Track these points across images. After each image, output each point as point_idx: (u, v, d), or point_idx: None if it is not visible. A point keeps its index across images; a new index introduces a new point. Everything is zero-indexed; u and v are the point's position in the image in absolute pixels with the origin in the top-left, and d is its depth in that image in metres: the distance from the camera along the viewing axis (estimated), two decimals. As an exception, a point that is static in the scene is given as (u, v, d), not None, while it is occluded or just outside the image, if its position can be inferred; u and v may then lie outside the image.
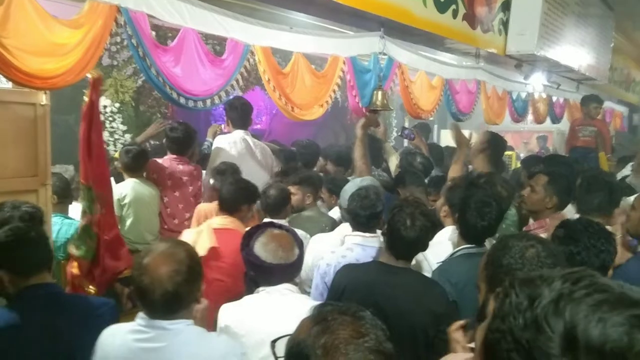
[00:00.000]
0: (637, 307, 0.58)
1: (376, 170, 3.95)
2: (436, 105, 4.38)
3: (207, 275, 2.32)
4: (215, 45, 3.60)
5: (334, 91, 3.38)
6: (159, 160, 3.32)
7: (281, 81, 3.06)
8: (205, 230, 2.49)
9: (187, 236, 2.46)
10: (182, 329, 1.41)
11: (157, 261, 1.39)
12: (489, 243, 2.66)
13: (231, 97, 3.12)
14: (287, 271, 1.81)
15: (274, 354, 1.08)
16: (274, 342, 1.07)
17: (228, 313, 1.84)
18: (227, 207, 2.58)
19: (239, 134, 3.41)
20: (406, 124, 7.70)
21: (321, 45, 3.26)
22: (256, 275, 1.85)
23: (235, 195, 2.60)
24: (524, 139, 10.86)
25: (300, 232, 2.30)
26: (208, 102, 2.77)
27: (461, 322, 1.44)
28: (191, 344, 1.41)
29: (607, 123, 8.02)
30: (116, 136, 3.93)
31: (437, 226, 2.24)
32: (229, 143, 3.39)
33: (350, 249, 2.41)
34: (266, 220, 2.63)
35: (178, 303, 1.40)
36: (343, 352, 0.85)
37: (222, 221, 2.55)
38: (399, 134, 5.15)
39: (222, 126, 4.11)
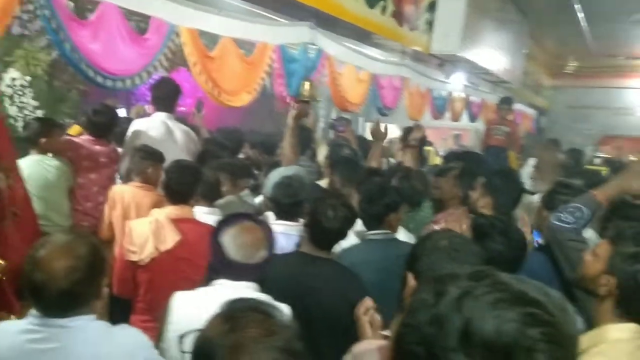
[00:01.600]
0: (531, 305, 0.62)
1: (304, 159, 3.97)
2: (364, 99, 4.47)
3: (176, 268, 2.23)
4: (140, 22, 3.43)
5: (262, 78, 3.35)
6: (76, 139, 3.13)
7: (208, 65, 2.98)
8: (165, 222, 2.37)
9: (140, 228, 2.32)
10: (83, 326, 1.30)
11: (53, 255, 1.26)
12: (404, 234, 2.79)
13: (154, 78, 3.00)
14: (250, 271, 1.74)
15: (181, 349, 1.05)
16: (181, 336, 1.04)
17: (178, 302, 1.78)
18: (182, 196, 2.48)
19: (159, 117, 3.26)
20: (333, 116, 7.80)
21: (250, 31, 3.21)
22: (218, 266, 1.80)
23: (194, 184, 2.51)
24: (442, 136, 11.34)
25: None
26: (128, 82, 2.65)
27: (367, 303, 1.50)
28: (93, 342, 1.30)
29: (518, 124, 8.58)
30: (26, 112, 3.65)
31: (356, 217, 2.31)
32: (147, 126, 3.23)
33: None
34: (197, 208, 2.57)
35: (75, 302, 1.29)
36: (250, 352, 0.83)
37: (178, 211, 2.43)
38: (330, 125, 5.24)
39: (146, 107, 3.94)
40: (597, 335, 1.54)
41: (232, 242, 1.71)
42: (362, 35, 4.13)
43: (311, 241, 2.15)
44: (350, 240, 2.64)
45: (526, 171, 5.17)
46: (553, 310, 0.64)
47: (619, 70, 9.72)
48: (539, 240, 2.48)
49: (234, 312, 0.90)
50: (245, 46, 3.63)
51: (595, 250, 1.63)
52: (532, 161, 5.34)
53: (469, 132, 10.46)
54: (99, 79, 2.49)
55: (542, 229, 2.24)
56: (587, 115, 10.44)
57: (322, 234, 2.08)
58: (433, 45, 4.76)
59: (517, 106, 8.64)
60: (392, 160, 4.64)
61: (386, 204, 2.39)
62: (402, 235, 2.75)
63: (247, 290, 1.67)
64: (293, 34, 3.44)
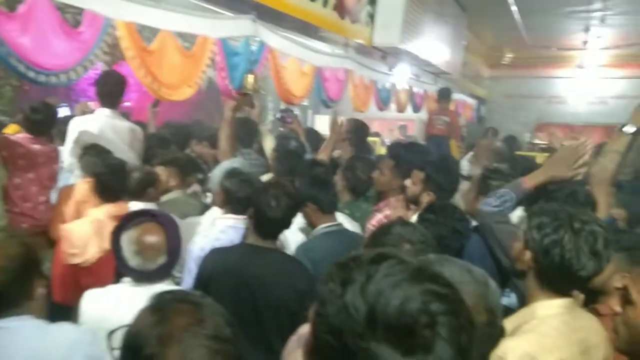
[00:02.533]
0: (431, 282, 0.65)
1: (250, 152, 3.97)
2: (308, 92, 4.50)
3: None
4: (77, 15, 3.30)
5: (204, 72, 3.32)
6: (12, 137, 2.99)
7: (147, 59, 2.92)
8: (107, 221, 2.30)
9: (79, 229, 2.25)
10: (19, 326, 1.29)
11: None
12: (349, 224, 2.86)
13: (92, 71, 2.90)
14: (150, 276, 1.70)
15: (110, 345, 1.04)
16: (111, 333, 1.04)
17: (88, 301, 1.75)
18: (115, 194, 2.43)
19: (102, 112, 3.16)
20: (281, 107, 7.79)
21: (190, 24, 3.16)
22: (120, 268, 1.77)
23: (124, 181, 2.45)
24: (389, 127, 11.56)
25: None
26: (63, 77, 2.55)
27: None
28: (28, 341, 1.28)
29: (459, 114, 8.86)
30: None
31: (300, 205, 2.35)
32: (89, 123, 3.13)
33: (223, 231, 2.41)
34: (132, 204, 2.53)
35: (5, 303, 1.28)
36: (178, 340, 0.84)
37: (117, 209, 2.36)
38: (278, 117, 5.23)
39: (91, 104, 3.81)
40: (528, 312, 1.63)
41: (130, 247, 1.68)
42: (305, 28, 4.14)
43: (256, 232, 2.16)
44: (296, 236, 2.68)
45: (467, 160, 5.37)
46: (451, 283, 0.68)
47: (552, 61, 10.21)
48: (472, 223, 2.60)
49: (161, 304, 0.90)
50: (188, 39, 3.57)
51: (519, 232, 1.73)
52: (471, 153, 5.55)
53: (414, 123, 10.71)
54: (31, 74, 2.38)
55: (471, 212, 2.34)
56: (524, 103, 10.91)
57: (267, 224, 2.10)
58: (375, 38, 4.84)
59: (458, 96, 8.93)
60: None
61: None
62: (348, 225, 2.81)
63: (158, 287, 1.64)
64: (235, 27, 3.42)
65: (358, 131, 4.61)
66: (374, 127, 10.72)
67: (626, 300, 1.18)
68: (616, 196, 2.31)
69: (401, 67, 5.92)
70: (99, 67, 3.28)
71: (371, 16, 4.80)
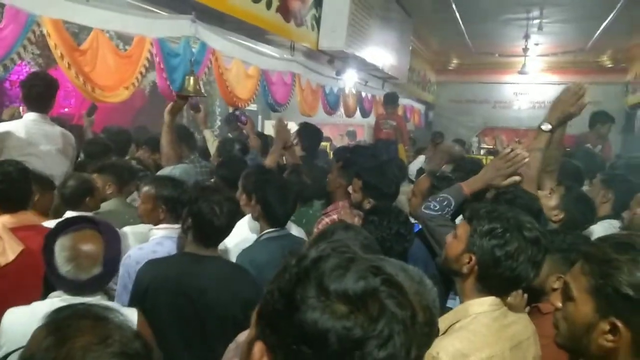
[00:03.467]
0: (375, 261, 0.71)
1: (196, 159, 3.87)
2: (253, 95, 4.43)
3: (22, 280, 2.01)
4: (-1, 12, 3.12)
5: (141, 73, 3.19)
6: None
7: (78, 59, 2.78)
8: (3, 233, 2.12)
9: None
10: None
11: None
12: (295, 229, 2.81)
13: (16, 72, 2.73)
14: (83, 287, 1.60)
15: None
16: (4, 357, 0.94)
17: (9, 320, 1.61)
18: (15, 203, 2.25)
19: (29, 117, 2.98)
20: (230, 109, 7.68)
21: (125, 23, 3.03)
22: (51, 279, 1.65)
23: (27, 189, 2.28)
24: (340, 132, 11.63)
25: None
26: (-19, 76, 2.38)
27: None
28: None
29: (407, 119, 9.01)
30: None
31: (239, 210, 2.29)
32: (14, 128, 2.93)
33: (160, 243, 2.32)
34: (68, 214, 2.39)
35: None
36: None
37: (15, 219, 2.18)
38: (232, 118, 5.17)
39: (21, 108, 3.59)
40: (461, 310, 1.64)
41: (62, 253, 1.59)
42: (252, 31, 4.08)
43: (197, 240, 2.09)
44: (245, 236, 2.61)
45: (415, 165, 5.44)
46: (391, 269, 0.72)
47: (495, 67, 10.55)
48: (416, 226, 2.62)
49: (58, 322, 0.81)
50: (129, 40, 3.42)
51: (455, 232, 1.73)
52: (422, 157, 5.63)
53: (364, 128, 10.81)
54: (-56, 74, 2.21)
55: (416, 216, 2.36)
56: (470, 108, 11.22)
57: (210, 232, 2.04)
58: (321, 42, 4.82)
59: (406, 101, 9.07)
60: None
61: None
62: (296, 231, 2.76)
63: (89, 301, 1.51)
64: (173, 28, 3.31)
65: (309, 136, 4.58)
66: (324, 132, 10.75)
67: (567, 297, 1.19)
68: (563, 198, 2.36)
69: (348, 71, 5.94)
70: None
71: (317, 20, 4.78)
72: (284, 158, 4.01)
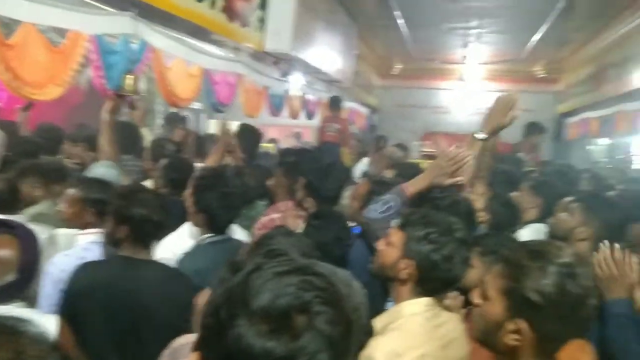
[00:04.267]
0: (310, 274, 0.70)
1: (129, 157, 3.75)
2: (195, 95, 4.35)
3: None
4: None
5: (76, 70, 3.06)
6: None
7: (5, 53, 2.63)
8: None
9: None
10: None
11: None
12: (240, 232, 2.79)
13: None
14: None
15: None
16: None
17: None
18: None
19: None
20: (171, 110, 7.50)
21: (61, 18, 2.90)
22: None
23: None
24: (287, 133, 11.62)
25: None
26: None
27: (206, 294, 1.48)
28: None
29: (351, 122, 9.13)
30: None
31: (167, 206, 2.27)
32: None
33: (87, 249, 2.23)
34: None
35: None
36: None
37: None
38: (169, 118, 5.08)
39: None
40: (395, 311, 1.69)
41: None
42: (196, 30, 4.00)
43: (130, 242, 2.05)
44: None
45: (359, 168, 5.52)
46: (332, 280, 0.72)
47: (437, 73, 10.88)
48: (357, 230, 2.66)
49: None
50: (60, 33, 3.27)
51: (388, 239, 1.77)
52: (365, 161, 5.73)
53: (309, 130, 10.86)
54: None
55: (355, 219, 2.39)
56: (412, 113, 11.50)
57: (149, 229, 2.01)
58: (266, 43, 4.81)
59: (351, 104, 9.18)
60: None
61: None
62: (239, 233, 2.74)
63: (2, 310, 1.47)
64: (111, 24, 3.20)
65: (248, 137, 4.55)
66: (270, 133, 10.72)
67: (484, 296, 1.25)
68: (488, 202, 2.47)
69: (294, 73, 5.95)
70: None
71: (262, 21, 4.76)
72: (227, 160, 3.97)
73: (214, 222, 2.30)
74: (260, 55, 5.10)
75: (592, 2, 5.62)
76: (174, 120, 5.81)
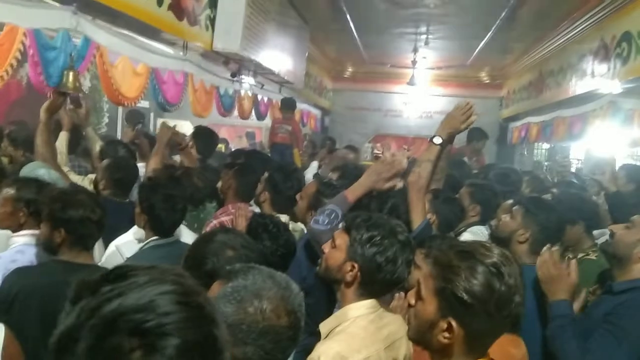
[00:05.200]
0: (175, 284, 0.69)
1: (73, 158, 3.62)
2: (141, 93, 4.24)
3: None
4: None
5: (11, 65, 2.92)
6: None
7: None
8: None
9: None
10: None
11: None
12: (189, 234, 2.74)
13: None
14: None
15: None
16: None
17: None
18: None
19: None
20: (119, 110, 7.29)
21: (-6, 10, 2.76)
22: None
23: None
24: (238, 133, 11.51)
25: None
26: None
27: None
28: None
29: (304, 123, 9.15)
30: None
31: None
32: None
33: (20, 251, 2.15)
34: None
35: None
36: None
37: None
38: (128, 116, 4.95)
39: None
40: (341, 315, 1.71)
41: None
42: (143, 27, 3.89)
43: (68, 246, 2.01)
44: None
45: (310, 171, 5.55)
46: (198, 290, 0.71)
47: (387, 77, 11.06)
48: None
49: None
50: None
51: (333, 242, 1.80)
52: (315, 163, 5.76)
53: (262, 130, 10.81)
54: None
55: (303, 221, 2.41)
56: (363, 116, 11.64)
57: (80, 232, 1.98)
58: (215, 43, 4.73)
59: (303, 106, 9.21)
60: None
61: None
62: (188, 235, 2.69)
63: None
64: (50, 18, 3.06)
65: (204, 139, 4.51)
66: (221, 133, 10.58)
67: (418, 296, 1.29)
68: (431, 203, 2.54)
69: (244, 74, 5.90)
70: None
71: (211, 20, 4.69)
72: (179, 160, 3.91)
73: (158, 225, 2.26)
74: (209, 55, 5.02)
75: (532, 14, 5.87)
76: (135, 117, 5.71)
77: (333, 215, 2.12)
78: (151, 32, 3.99)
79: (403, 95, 11.34)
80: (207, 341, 0.67)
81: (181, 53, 4.67)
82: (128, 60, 3.97)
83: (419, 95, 10.86)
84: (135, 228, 2.45)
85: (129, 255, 2.27)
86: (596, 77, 5.44)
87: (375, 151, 10.08)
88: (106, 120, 7.56)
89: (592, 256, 2.65)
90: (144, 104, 6.62)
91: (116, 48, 3.79)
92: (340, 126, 11.60)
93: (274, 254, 1.92)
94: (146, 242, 2.34)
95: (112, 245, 2.47)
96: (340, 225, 2.12)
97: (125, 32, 3.85)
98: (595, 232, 2.90)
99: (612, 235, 2.18)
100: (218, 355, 0.68)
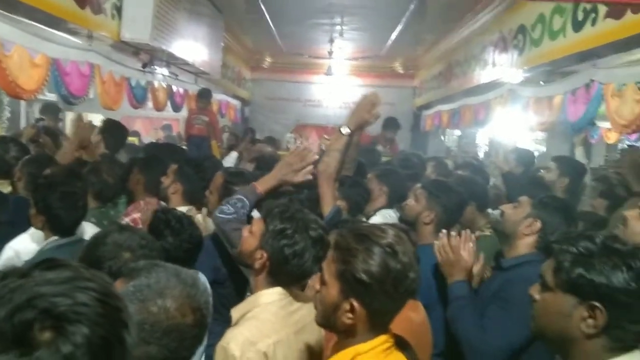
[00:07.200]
0: (82, 279, 0.71)
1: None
2: (41, 85, 3.99)
3: None
4: None
5: None
6: None
7: None
8: None
9: None
10: None
11: None
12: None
13: None
14: None
15: None
16: None
17: None
18: None
19: None
20: (22, 104, 6.79)
21: None
22: None
23: None
24: (154, 125, 11.13)
25: None
26: None
27: None
28: None
29: (222, 114, 9.02)
30: None
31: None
32: None
33: None
34: None
35: None
36: None
37: None
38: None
39: None
40: (252, 301, 1.75)
41: None
42: (43, 16, 3.65)
43: None
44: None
45: (228, 161, 5.50)
46: (115, 294, 0.73)
47: (306, 67, 11.13)
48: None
49: None
50: None
51: (251, 228, 1.83)
52: (234, 154, 5.72)
53: (179, 122, 10.52)
54: None
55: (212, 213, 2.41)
56: (284, 106, 11.66)
57: None
58: (123, 32, 4.54)
59: (221, 96, 9.07)
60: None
61: None
62: (93, 233, 2.59)
63: None
64: None
65: (114, 133, 4.35)
66: (136, 126, 10.19)
67: (322, 281, 1.34)
68: (339, 190, 2.62)
69: (157, 64, 5.72)
70: None
71: (118, 9, 4.50)
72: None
73: (58, 224, 2.16)
74: (118, 45, 4.81)
75: (439, 6, 6.15)
76: (51, 110, 5.39)
77: (239, 205, 2.14)
78: (51, 20, 3.76)
79: (321, 86, 11.47)
80: (115, 341, 0.68)
81: (86, 43, 4.44)
82: (24, 51, 3.72)
83: (337, 85, 11.04)
84: (32, 229, 2.33)
85: (27, 259, 2.16)
86: (497, 67, 5.82)
87: (295, 141, 10.16)
88: (7, 114, 7.04)
89: (487, 232, 2.87)
90: (50, 96, 6.23)
91: (10, 37, 3.54)
92: (260, 117, 11.55)
93: (178, 249, 1.90)
94: (46, 242, 2.24)
95: (9, 248, 2.33)
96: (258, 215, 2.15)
97: (22, 19, 3.61)
98: (494, 212, 3.13)
99: (501, 214, 2.37)
100: (121, 358, 0.69)
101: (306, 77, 11.56)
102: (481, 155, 8.22)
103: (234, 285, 2.28)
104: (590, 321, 1.22)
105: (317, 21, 7.25)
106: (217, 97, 8.69)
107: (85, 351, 0.64)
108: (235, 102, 10.53)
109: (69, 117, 6.95)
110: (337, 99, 11.55)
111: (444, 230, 2.28)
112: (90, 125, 3.92)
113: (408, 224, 2.55)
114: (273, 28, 7.68)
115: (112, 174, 3.28)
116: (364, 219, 2.83)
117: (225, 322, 1.74)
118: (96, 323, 0.66)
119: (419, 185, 2.78)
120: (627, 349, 1.23)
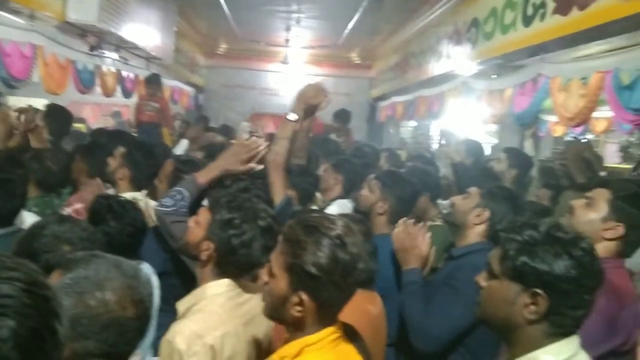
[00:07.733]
0: (20, 272, 0.68)
1: None
2: (-22, 67, 3.76)
3: None
4: None
5: None
6: None
7: None
8: None
9: None
10: None
11: None
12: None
13: None
14: None
15: None
16: None
17: None
18: None
19: None
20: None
21: None
22: None
23: None
24: (103, 112, 10.73)
25: None
26: None
27: None
28: None
29: (175, 101, 8.79)
30: None
31: None
32: None
33: None
34: None
35: None
36: None
37: None
38: None
39: None
40: (199, 293, 1.70)
41: None
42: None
43: None
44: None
45: (180, 149, 5.38)
46: (41, 282, 0.70)
47: (262, 55, 11.00)
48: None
49: None
50: None
51: (197, 218, 1.77)
52: (185, 142, 5.58)
53: (129, 109, 10.17)
54: None
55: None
56: (240, 94, 11.49)
57: None
58: (69, 13, 4.33)
59: (174, 83, 8.83)
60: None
61: None
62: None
63: None
64: None
65: (57, 119, 4.16)
66: (84, 112, 9.80)
67: (270, 273, 1.32)
68: (288, 179, 2.59)
69: (105, 48, 5.49)
70: None
71: (62, -12, 4.28)
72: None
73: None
74: (63, 26, 4.58)
75: (394, -4, 6.17)
76: None
77: (178, 197, 2.07)
78: (6, 4, 3.55)
79: (278, 74, 11.35)
80: (46, 332, 0.65)
81: (28, 23, 4.21)
82: (-42, 29, 3.49)
83: (294, 74, 10.95)
84: None
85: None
86: (451, 59, 5.91)
87: (251, 130, 10.03)
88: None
89: (438, 222, 2.93)
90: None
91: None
92: (216, 104, 11.34)
93: (121, 233, 1.85)
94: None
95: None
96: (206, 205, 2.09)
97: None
98: (444, 203, 3.19)
99: (452, 205, 2.41)
100: (54, 349, 0.67)
101: (262, 65, 11.42)
102: (435, 146, 8.36)
103: (185, 276, 2.22)
104: (532, 307, 1.25)
105: (274, 8, 7.16)
106: (170, 83, 8.45)
107: (13, 345, 0.61)
108: (188, 89, 10.28)
109: (11, 101, 6.60)
110: (293, 88, 11.46)
111: (404, 218, 2.31)
112: (33, 110, 3.72)
113: (362, 214, 2.55)
114: (228, 13, 7.52)
115: (56, 161, 3.13)
116: (316, 208, 2.82)
117: (175, 314, 1.70)
118: (23, 315, 0.63)
119: (372, 175, 2.79)
120: (566, 334, 1.27)
